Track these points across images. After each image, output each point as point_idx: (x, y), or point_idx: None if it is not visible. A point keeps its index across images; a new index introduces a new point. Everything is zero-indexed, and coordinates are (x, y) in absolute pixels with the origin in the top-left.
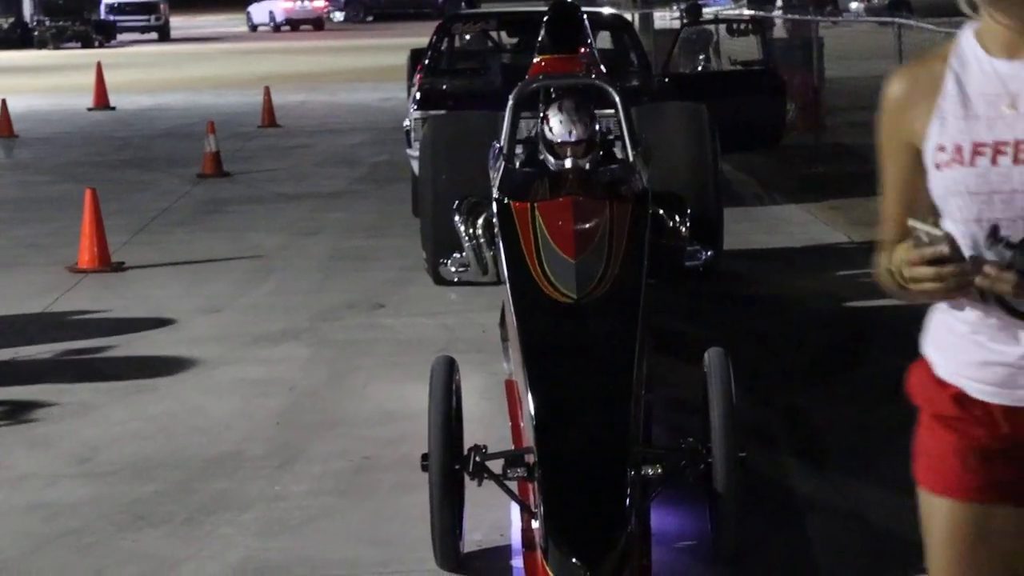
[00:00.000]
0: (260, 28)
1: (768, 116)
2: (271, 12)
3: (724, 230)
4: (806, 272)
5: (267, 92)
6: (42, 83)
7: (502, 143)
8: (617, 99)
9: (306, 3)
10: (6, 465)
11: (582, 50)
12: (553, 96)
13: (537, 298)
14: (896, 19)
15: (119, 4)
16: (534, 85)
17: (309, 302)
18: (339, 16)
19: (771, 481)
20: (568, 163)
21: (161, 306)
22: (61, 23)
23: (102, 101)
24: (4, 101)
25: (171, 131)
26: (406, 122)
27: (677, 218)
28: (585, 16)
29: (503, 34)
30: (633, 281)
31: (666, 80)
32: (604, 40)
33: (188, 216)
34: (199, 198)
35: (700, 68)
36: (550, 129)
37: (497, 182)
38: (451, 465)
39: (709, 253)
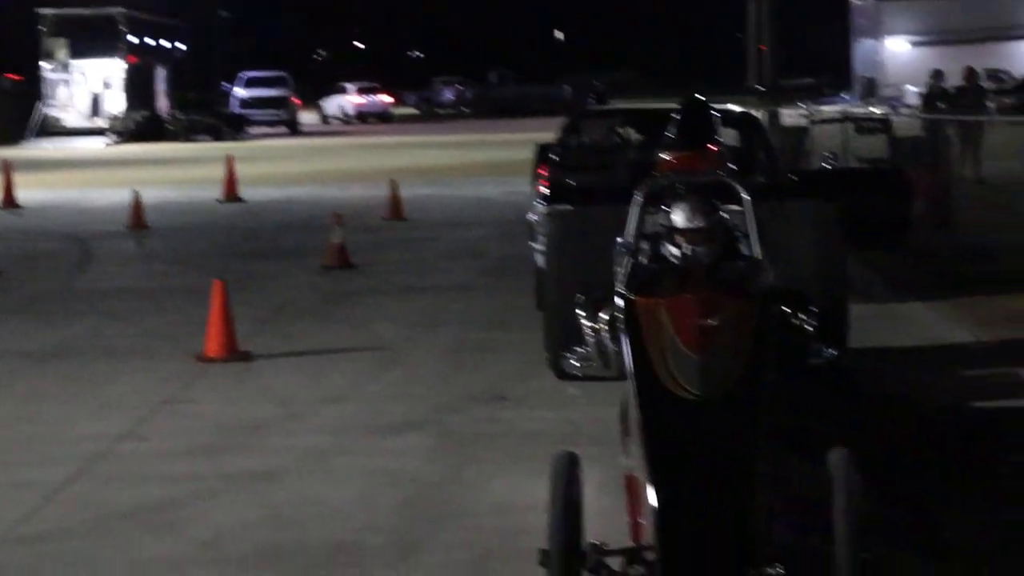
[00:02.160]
0: (331, 120)
1: (894, 214)
2: (342, 106)
3: (849, 328)
4: (931, 369)
5: (393, 185)
6: (174, 175)
7: (628, 238)
8: (744, 195)
9: (375, 98)
10: (132, 551)
11: (711, 148)
12: (679, 191)
13: (662, 394)
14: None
15: (251, 99)
16: (663, 182)
17: (432, 394)
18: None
19: None
20: (688, 250)
21: (286, 396)
22: (193, 116)
23: (232, 193)
24: (137, 193)
25: (298, 223)
26: (531, 215)
27: (802, 316)
28: (714, 113)
29: (631, 130)
30: (757, 379)
31: (793, 177)
32: (732, 137)
33: (313, 307)
34: (324, 289)
35: (828, 166)
36: (673, 218)
37: (623, 277)
38: (571, 562)
39: (833, 351)
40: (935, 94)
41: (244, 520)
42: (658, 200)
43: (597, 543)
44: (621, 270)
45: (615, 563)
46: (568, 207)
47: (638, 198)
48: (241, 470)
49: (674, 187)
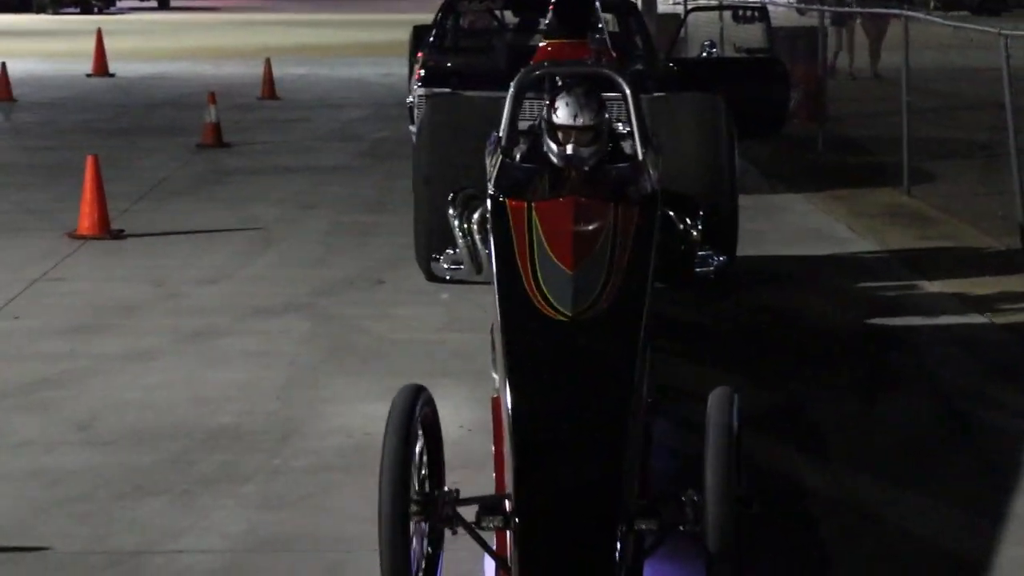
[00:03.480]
0: None
1: (771, 104)
2: None
3: (738, 232)
4: (815, 269)
5: (268, 64)
6: (41, 48)
7: (501, 132)
8: (628, 90)
9: None
10: (6, 432)
11: (591, 37)
12: (560, 84)
13: (527, 313)
14: (904, 11)
15: None
16: (538, 72)
17: (309, 276)
18: None
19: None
20: (570, 150)
21: (161, 275)
22: None
23: (101, 68)
24: (3, 65)
25: (170, 100)
26: (410, 99)
27: (688, 221)
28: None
29: (508, 14)
30: (636, 293)
31: (671, 65)
32: (609, 24)
33: (188, 186)
34: (199, 168)
35: (704, 55)
36: (555, 113)
37: (493, 176)
38: (403, 520)
39: (722, 259)
40: None
41: (119, 401)
42: (538, 91)
43: (450, 490)
44: (493, 168)
45: (470, 513)
46: (444, 90)
47: (514, 89)
48: (116, 350)
49: (553, 78)
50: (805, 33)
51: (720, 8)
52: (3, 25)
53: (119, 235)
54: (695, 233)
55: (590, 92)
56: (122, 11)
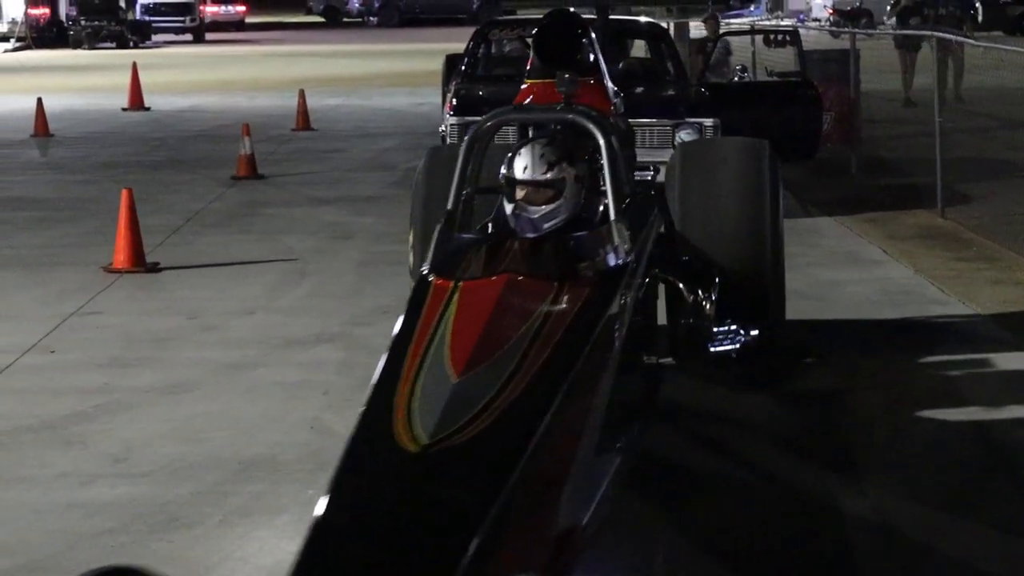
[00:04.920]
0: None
1: (804, 128)
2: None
3: (784, 302)
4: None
5: (302, 95)
6: (77, 82)
7: (450, 195)
8: (602, 139)
9: (230, 8)
10: (41, 465)
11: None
12: (531, 134)
13: (378, 432)
14: (935, 32)
15: (155, 5)
16: (491, 122)
17: (343, 306)
18: (373, 20)
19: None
20: (521, 209)
21: (195, 307)
22: (97, 23)
23: (137, 102)
24: (40, 100)
25: (205, 133)
26: (442, 127)
27: (700, 293)
28: (588, 28)
29: None
30: (539, 402)
31: (703, 90)
32: (640, 49)
33: (222, 218)
34: (233, 200)
35: (736, 79)
36: (509, 164)
37: (431, 249)
38: None
39: (753, 334)
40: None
41: (155, 434)
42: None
43: None
44: (433, 239)
45: None
46: (475, 119)
47: (466, 144)
48: (150, 383)
49: (519, 125)
50: (838, 56)
51: (752, 32)
52: (40, 61)
53: (154, 268)
54: (708, 306)
55: (555, 142)
56: (157, 44)
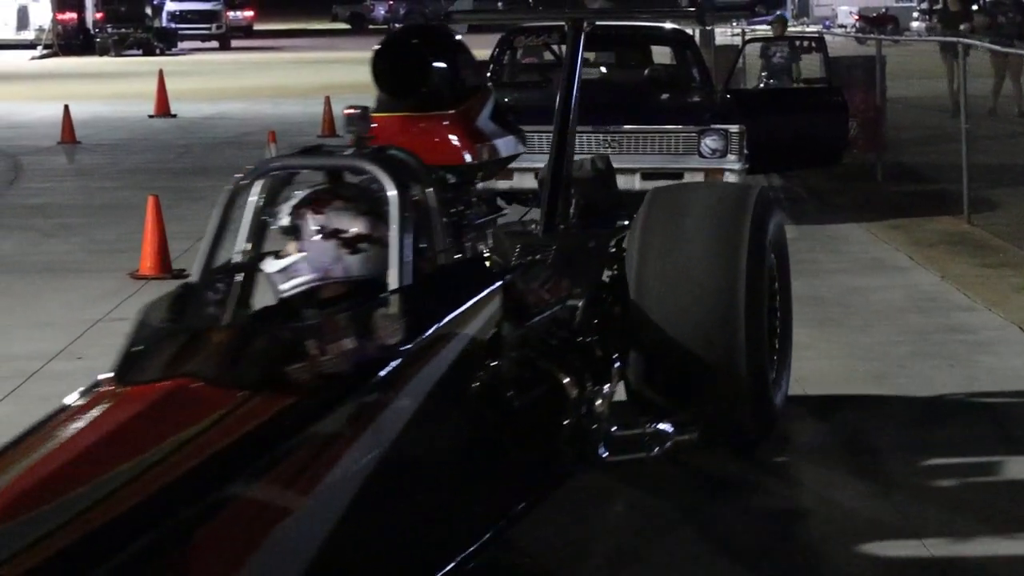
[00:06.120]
0: None
1: (830, 134)
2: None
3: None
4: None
5: (327, 102)
6: (104, 90)
7: (195, 265)
8: (390, 190)
9: (239, 13)
10: None
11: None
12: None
13: None
14: (961, 39)
15: (181, 12)
16: (259, 171)
17: None
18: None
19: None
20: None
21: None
22: (123, 30)
23: (163, 108)
24: (67, 107)
25: (231, 140)
26: None
27: (591, 387)
28: (456, 48)
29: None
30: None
31: (728, 96)
32: (665, 55)
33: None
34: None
35: (762, 85)
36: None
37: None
38: None
39: (688, 436)
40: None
41: None
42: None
43: None
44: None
45: None
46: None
47: (222, 197)
48: None
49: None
50: (863, 62)
51: (778, 39)
52: (67, 68)
53: (181, 275)
54: (599, 402)
55: (333, 190)
56: (183, 51)
